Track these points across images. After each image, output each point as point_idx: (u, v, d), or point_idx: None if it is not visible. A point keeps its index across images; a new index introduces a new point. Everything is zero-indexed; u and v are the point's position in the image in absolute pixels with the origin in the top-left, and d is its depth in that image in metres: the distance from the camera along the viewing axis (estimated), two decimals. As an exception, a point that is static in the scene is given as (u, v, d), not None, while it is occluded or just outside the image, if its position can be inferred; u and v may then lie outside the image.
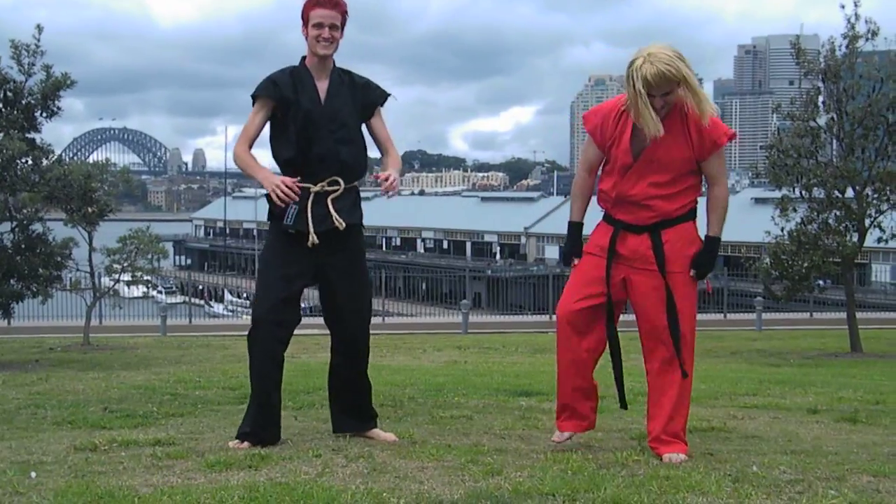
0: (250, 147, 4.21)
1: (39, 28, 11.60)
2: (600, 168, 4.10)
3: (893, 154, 13.36)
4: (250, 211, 65.38)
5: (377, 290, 22.19)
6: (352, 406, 4.37)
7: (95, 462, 3.77)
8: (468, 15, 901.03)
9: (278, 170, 4.27)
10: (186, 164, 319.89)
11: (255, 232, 70.76)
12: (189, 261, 78.46)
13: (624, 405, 4.35)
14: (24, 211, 11.99)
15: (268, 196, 4.12)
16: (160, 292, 34.65)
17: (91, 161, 13.76)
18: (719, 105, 4.12)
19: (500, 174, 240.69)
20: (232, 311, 41.13)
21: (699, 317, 4.20)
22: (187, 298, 27.68)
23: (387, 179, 4.13)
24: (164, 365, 10.19)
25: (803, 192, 13.70)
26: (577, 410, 4.14)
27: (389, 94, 4.37)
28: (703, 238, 4.01)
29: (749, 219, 33.35)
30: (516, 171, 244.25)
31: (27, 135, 11.39)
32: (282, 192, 3.99)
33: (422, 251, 71.35)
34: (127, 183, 14.83)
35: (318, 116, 4.14)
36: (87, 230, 13.57)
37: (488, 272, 52.64)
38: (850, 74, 13.44)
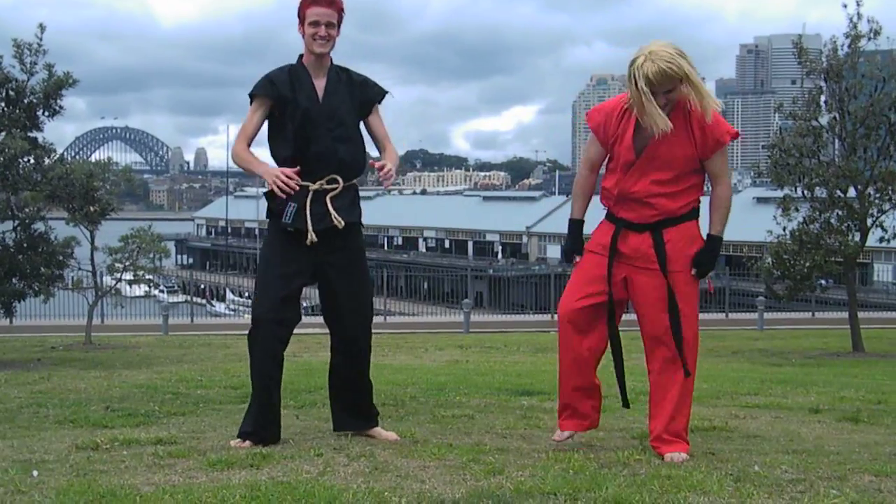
0: (249, 145, 4.20)
1: (42, 27, 11.65)
2: (603, 166, 4.10)
3: (895, 153, 13.36)
4: (252, 210, 65.45)
5: (379, 290, 22.20)
6: (353, 405, 4.36)
7: (97, 461, 3.77)
8: (469, 14, 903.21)
9: (277, 169, 4.27)
10: (188, 163, 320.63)
11: (256, 231, 70.87)
12: (191, 260, 78.48)
13: (626, 404, 4.35)
14: (27, 210, 12.00)
15: (267, 194, 4.12)
16: (162, 291, 34.76)
17: (93, 160, 13.80)
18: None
19: (502, 174, 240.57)
20: (234, 310, 41.10)
21: (701, 316, 4.19)
22: (189, 297, 27.71)
23: (381, 168, 4.12)
24: (165, 364, 10.19)
25: (805, 192, 13.70)
26: (579, 410, 4.14)
27: (387, 92, 4.35)
28: (704, 237, 4.01)
29: (751, 218, 33.40)
30: (518, 170, 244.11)
31: (29, 134, 11.42)
32: (282, 181, 3.98)
33: (423, 250, 71.32)
34: (129, 182, 14.78)
35: (315, 115, 4.12)
36: (88, 229, 13.56)
37: (490, 271, 52.71)
38: (852, 74, 13.43)
